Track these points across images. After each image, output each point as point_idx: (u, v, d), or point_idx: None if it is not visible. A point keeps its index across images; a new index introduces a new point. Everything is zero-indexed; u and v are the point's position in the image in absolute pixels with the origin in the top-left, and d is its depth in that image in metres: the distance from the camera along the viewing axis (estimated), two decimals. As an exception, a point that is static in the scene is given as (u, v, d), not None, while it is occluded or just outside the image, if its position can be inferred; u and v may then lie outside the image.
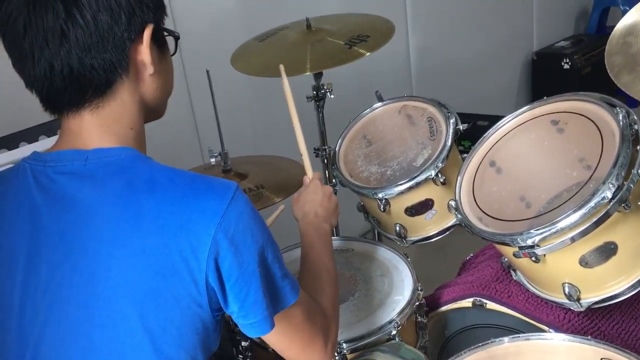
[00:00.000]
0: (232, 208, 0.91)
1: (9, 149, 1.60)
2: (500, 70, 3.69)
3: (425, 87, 3.24)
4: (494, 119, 3.16)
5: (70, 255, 0.91)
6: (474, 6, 3.41)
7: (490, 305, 1.48)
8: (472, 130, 3.07)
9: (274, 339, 1.02)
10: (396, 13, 3.05)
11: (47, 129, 1.63)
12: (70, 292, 0.91)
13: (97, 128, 0.94)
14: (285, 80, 1.44)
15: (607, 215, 1.18)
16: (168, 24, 2.31)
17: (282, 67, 1.46)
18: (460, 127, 1.57)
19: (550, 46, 3.84)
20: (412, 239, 1.66)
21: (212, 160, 1.72)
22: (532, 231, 1.22)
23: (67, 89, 0.91)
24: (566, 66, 3.65)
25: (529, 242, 1.22)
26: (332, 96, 1.92)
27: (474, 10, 3.42)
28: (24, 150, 1.61)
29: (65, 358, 0.92)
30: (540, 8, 3.82)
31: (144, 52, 0.94)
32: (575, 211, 1.18)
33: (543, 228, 1.21)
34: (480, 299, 1.49)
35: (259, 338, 1.02)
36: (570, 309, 1.32)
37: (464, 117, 3.06)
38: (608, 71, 1.16)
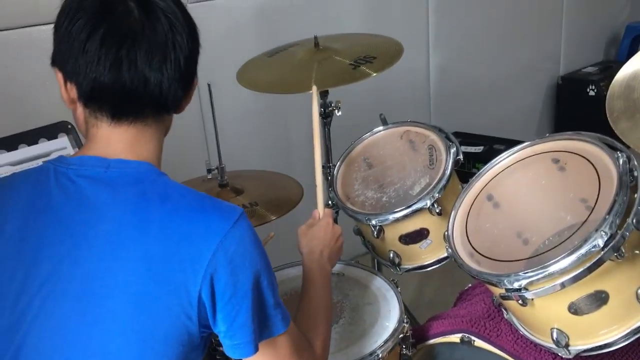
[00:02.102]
0: (236, 230, 0.95)
1: (8, 150, 1.60)
2: (523, 93, 3.62)
3: (443, 106, 3.20)
4: (511, 143, 3.11)
5: (75, 250, 0.95)
6: (500, 26, 3.36)
7: (478, 342, 1.44)
8: (487, 153, 3.03)
9: None
10: (418, 30, 3.02)
11: (48, 132, 1.63)
12: (68, 286, 0.95)
13: (130, 141, 1.00)
14: (315, 102, 1.43)
15: (598, 263, 1.14)
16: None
17: (314, 88, 1.45)
18: (461, 157, 1.54)
19: (577, 71, 3.76)
20: (406, 267, 1.63)
21: (209, 174, 1.71)
22: (520, 274, 1.19)
23: (145, 102, 0.99)
24: (592, 93, 3.56)
25: (516, 285, 1.19)
26: (339, 114, 1.90)
27: (499, 30, 3.37)
28: (23, 152, 1.62)
29: (51, 350, 0.94)
30: (569, 31, 3.75)
31: (189, 98, 1.06)
32: (566, 257, 1.14)
33: (532, 272, 1.18)
34: (469, 335, 1.45)
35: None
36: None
37: (480, 139, 3.06)
38: (607, 115, 1.12)
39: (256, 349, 0.99)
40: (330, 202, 1.70)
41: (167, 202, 0.96)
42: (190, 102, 1.07)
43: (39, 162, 1.57)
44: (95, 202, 0.97)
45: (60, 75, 1.01)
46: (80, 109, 1.01)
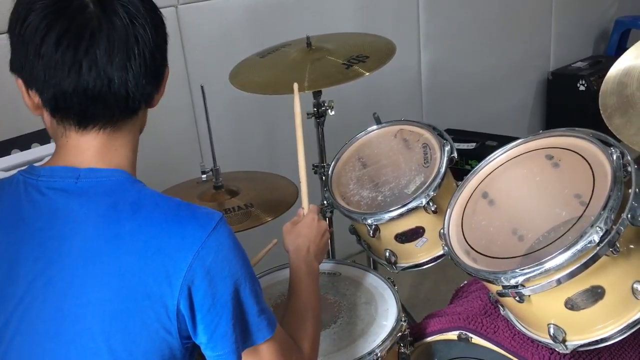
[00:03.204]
0: (213, 238, 0.91)
1: (1, 156, 1.60)
2: (513, 89, 3.63)
3: (435, 103, 3.20)
4: (503, 140, 3.12)
5: (48, 269, 0.92)
6: (489, 23, 3.37)
7: (476, 339, 1.45)
8: (480, 149, 3.04)
9: None
10: (409, 28, 3.02)
11: (40, 137, 1.63)
12: (43, 306, 0.92)
13: (100, 148, 0.95)
14: (297, 100, 1.40)
15: (594, 259, 1.15)
16: (175, 37, 2.32)
17: (296, 85, 1.42)
18: (455, 155, 1.54)
19: (567, 66, 3.77)
20: (403, 265, 1.63)
21: (204, 176, 1.71)
22: (517, 270, 1.20)
23: (112, 105, 0.93)
24: (582, 87, 3.58)
25: (513, 281, 1.20)
26: (332, 113, 1.90)
27: (489, 26, 3.38)
28: (16, 158, 1.61)
29: None
30: (558, 27, 3.76)
31: (162, 90, 1.00)
32: (562, 253, 1.15)
33: (529, 268, 1.18)
34: (466, 332, 1.46)
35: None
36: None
37: (473, 135, 3.07)
38: (601, 112, 1.13)
39: (239, 359, 0.96)
40: (325, 201, 1.70)
41: (138, 212, 0.92)
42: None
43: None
44: (67, 215, 0.92)
45: (20, 82, 0.94)
46: (46, 115, 0.95)
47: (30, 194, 0.95)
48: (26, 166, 0.99)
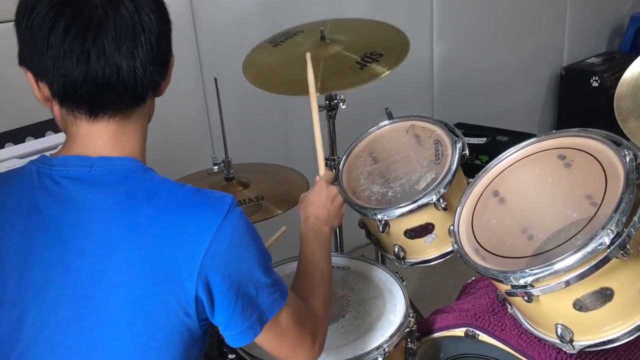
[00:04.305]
0: (227, 222, 0.94)
1: (15, 143, 1.61)
2: (526, 83, 3.61)
3: (447, 97, 3.19)
4: (514, 135, 3.10)
5: (66, 256, 0.94)
6: (503, 16, 3.34)
7: (483, 337, 1.45)
8: (490, 144, 3.03)
9: (263, 342, 1.05)
10: (422, 21, 3.01)
11: (54, 125, 1.63)
12: (63, 292, 0.94)
13: (112, 136, 0.97)
14: (310, 69, 1.40)
15: (605, 261, 1.15)
16: (188, 27, 2.31)
17: (308, 55, 1.43)
18: (467, 152, 1.53)
19: (580, 62, 3.75)
20: (411, 261, 1.64)
21: (215, 167, 1.72)
22: (526, 271, 1.20)
23: (121, 92, 0.94)
24: (595, 84, 3.55)
25: (522, 281, 1.20)
26: (344, 107, 1.90)
27: (503, 20, 3.35)
28: (30, 145, 1.62)
29: (51, 357, 0.94)
30: (573, 22, 3.73)
31: (168, 78, 1.02)
32: (572, 254, 1.15)
33: (538, 269, 1.18)
34: (473, 329, 1.46)
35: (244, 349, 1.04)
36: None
37: (483, 130, 3.06)
38: (615, 114, 1.12)
39: (256, 334, 1.00)
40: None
41: (154, 199, 0.94)
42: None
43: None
44: (82, 203, 0.94)
45: (29, 75, 0.96)
46: (56, 107, 0.97)
47: (45, 183, 0.96)
48: (38, 155, 1.01)
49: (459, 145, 1.55)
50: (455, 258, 1.42)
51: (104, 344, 0.93)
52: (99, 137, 0.96)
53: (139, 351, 0.93)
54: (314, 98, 1.41)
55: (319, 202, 1.32)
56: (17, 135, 1.62)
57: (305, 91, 1.44)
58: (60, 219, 0.94)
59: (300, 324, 1.07)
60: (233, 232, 0.94)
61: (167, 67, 1.01)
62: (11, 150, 1.60)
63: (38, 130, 1.63)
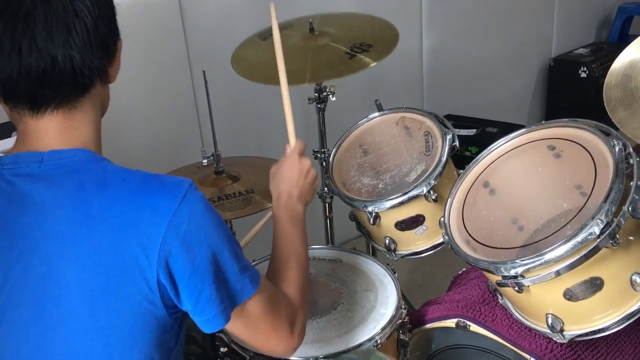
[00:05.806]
0: (184, 206, 0.92)
1: (1, 138, 1.59)
2: (515, 75, 3.62)
3: (436, 88, 3.19)
4: (504, 126, 3.10)
5: (24, 256, 0.93)
6: (492, 8, 3.34)
7: (474, 327, 1.46)
8: (480, 136, 3.04)
9: (237, 331, 1.04)
10: (411, 12, 3.00)
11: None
12: (24, 293, 0.93)
13: (58, 129, 0.95)
14: (275, 24, 1.32)
15: (594, 251, 1.16)
16: (176, 20, 2.27)
17: (272, 6, 1.33)
18: (457, 144, 1.54)
19: (568, 53, 3.75)
20: (402, 252, 1.64)
21: (204, 161, 1.71)
22: (517, 261, 1.20)
23: (59, 83, 0.91)
24: (583, 75, 3.56)
25: (512, 272, 1.21)
26: (333, 99, 1.90)
27: (492, 11, 3.35)
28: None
29: (17, 358, 0.93)
30: (561, 13, 3.74)
31: (116, 63, 0.99)
32: (562, 244, 1.16)
33: (529, 259, 1.19)
34: (464, 320, 1.47)
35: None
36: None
37: (473, 121, 3.06)
38: (605, 104, 1.13)
39: (227, 320, 0.98)
40: (325, 189, 1.70)
41: (106, 189, 0.92)
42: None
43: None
44: (36, 201, 0.92)
45: None
46: (3, 105, 0.95)
47: None
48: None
49: (449, 136, 1.55)
50: (446, 249, 1.43)
51: (69, 340, 0.92)
52: (46, 132, 0.94)
53: (104, 345, 0.92)
54: (280, 58, 1.31)
55: (292, 178, 1.26)
56: (3, 130, 1.60)
57: (293, 82, 1.42)
58: (16, 219, 0.93)
59: (275, 312, 1.05)
60: (191, 217, 0.92)
61: (113, 52, 0.98)
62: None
63: (3, 131, 1.60)
